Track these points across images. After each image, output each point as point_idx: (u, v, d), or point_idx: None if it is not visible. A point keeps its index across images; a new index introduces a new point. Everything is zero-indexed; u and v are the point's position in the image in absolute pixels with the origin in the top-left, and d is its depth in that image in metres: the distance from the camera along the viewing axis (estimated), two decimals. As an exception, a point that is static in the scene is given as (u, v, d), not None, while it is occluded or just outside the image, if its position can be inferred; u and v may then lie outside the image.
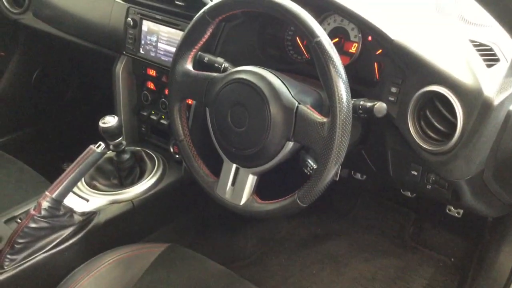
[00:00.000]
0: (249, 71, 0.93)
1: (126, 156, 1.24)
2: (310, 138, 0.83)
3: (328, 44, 0.80)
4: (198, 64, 1.07)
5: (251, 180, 0.92)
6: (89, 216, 1.12)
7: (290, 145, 0.88)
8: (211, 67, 1.07)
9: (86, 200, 1.17)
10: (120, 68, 1.37)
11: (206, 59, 1.08)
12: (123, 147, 1.21)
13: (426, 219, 1.62)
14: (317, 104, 0.92)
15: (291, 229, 1.61)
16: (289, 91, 0.88)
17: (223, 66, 1.06)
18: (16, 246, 1.00)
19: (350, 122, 0.79)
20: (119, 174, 1.26)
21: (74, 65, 1.96)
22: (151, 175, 1.26)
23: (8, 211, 1.16)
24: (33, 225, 1.00)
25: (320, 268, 1.49)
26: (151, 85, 1.37)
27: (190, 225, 1.42)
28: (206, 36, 1.00)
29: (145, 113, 1.41)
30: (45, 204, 1.00)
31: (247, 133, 0.90)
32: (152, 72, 1.33)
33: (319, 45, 0.80)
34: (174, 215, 1.35)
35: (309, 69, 1.13)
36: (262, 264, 1.46)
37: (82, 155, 1.06)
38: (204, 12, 0.96)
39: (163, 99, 1.33)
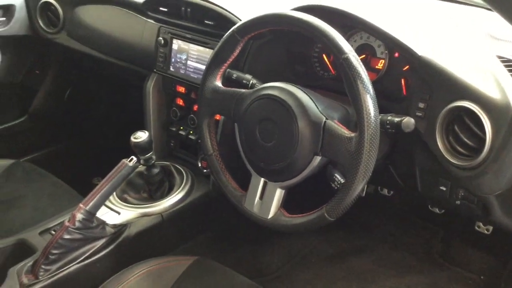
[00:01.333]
0: (277, 87, 0.95)
1: (156, 170, 1.27)
2: (338, 152, 0.84)
3: (356, 60, 0.82)
4: (227, 80, 1.09)
5: (279, 194, 0.93)
6: (120, 228, 1.15)
7: (317, 159, 0.89)
8: (239, 83, 1.10)
9: (118, 212, 1.20)
10: (151, 85, 1.41)
11: (234, 75, 1.11)
12: (153, 161, 1.24)
13: (454, 236, 1.60)
14: (344, 119, 0.93)
15: (318, 245, 1.61)
16: (317, 107, 0.90)
17: (250, 82, 1.09)
18: (51, 256, 1.03)
19: (378, 137, 0.80)
20: (149, 187, 1.29)
21: (104, 83, 2.02)
22: (179, 189, 1.28)
23: (42, 223, 1.20)
24: (67, 236, 1.03)
25: (347, 284, 1.48)
26: (180, 102, 1.41)
27: (217, 238, 1.43)
28: (235, 54, 1.03)
29: (174, 129, 1.44)
30: (79, 216, 1.03)
31: (275, 148, 0.91)
32: (181, 89, 1.36)
33: (347, 61, 0.82)
34: (202, 228, 1.37)
35: (335, 85, 1.15)
36: (288, 279, 1.46)
37: (115, 169, 1.09)
38: (233, 30, 1.00)
39: (192, 115, 1.36)
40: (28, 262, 1.05)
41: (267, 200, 0.94)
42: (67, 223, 1.03)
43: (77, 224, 1.03)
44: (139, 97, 1.51)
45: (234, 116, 1.00)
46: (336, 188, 0.90)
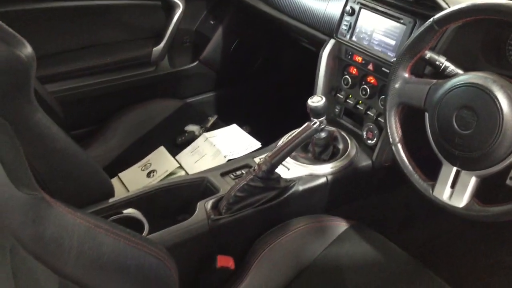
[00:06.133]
0: (480, 76, 0.95)
1: (324, 134, 1.34)
2: None
3: None
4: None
5: (473, 183, 0.94)
6: (290, 183, 1.24)
7: None
8: (430, 64, 1.10)
9: (287, 168, 1.30)
10: (327, 51, 1.45)
11: (428, 55, 1.11)
12: (323, 125, 1.30)
13: None
14: None
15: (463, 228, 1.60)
16: None
17: (444, 65, 1.08)
18: (235, 198, 1.16)
19: None
20: (314, 149, 1.37)
21: (268, 40, 2.12)
22: (344, 156, 1.34)
23: (220, 166, 1.34)
24: (251, 183, 1.14)
25: (489, 276, 1.47)
26: (353, 70, 1.44)
27: (375, 205, 1.48)
28: (430, 45, 1.04)
29: (341, 96, 1.48)
30: (264, 167, 1.14)
31: (474, 135, 0.93)
32: (359, 59, 1.39)
33: None
34: (361, 194, 1.43)
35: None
36: (431, 259, 1.49)
37: (300, 130, 1.18)
38: (433, 21, 1.00)
39: (365, 86, 1.39)
40: (212, 199, 1.19)
41: (460, 189, 0.96)
42: (253, 172, 1.15)
43: (261, 174, 1.14)
44: (299, 57, 1.56)
45: (426, 105, 1.02)
46: None
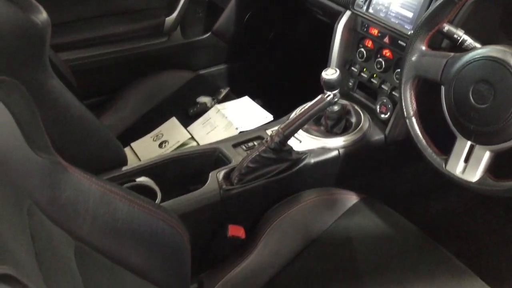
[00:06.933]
0: (497, 49, 0.93)
1: (337, 107, 1.33)
2: None
3: None
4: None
5: (487, 158, 0.94)
6: (302, 155, 1.25)
7: None
8: (448, 37, 1.08)
9: (299, 141, 1.30)
10: (343, 23, 1.43)
11: (445, 28, 1.09)
12: (336, 99, 1.29)
13: None
14: None
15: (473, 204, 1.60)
16: None
17: (462, 38, 1.06)
18: (247, 168, 1.16)
19: None
20: (326, 122, 1.36)
21: (279, 11, 2.09)
22: (357, 129, 1.33)
23: (233, 137, 1.35)
24: (264, 154, 1.15)
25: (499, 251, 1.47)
26: (368, 43, 1.42)
27: (384, 179, 1.48)
28: (448, 17, 1.02)
29: (355, 69, 1.46)
30: (276, 138, 1.14)
31: (490, 109, 0.91)
32: (374, 31, 1.37)
33: None
34: (373, 168, 1.43)
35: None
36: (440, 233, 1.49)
37: (313, 102, 1.17)
38: None
39: (380, 59, 1.37)
40: (224, 169, 1.20)
41: (473, 163, 0.95)
42: (266, 143, 1.15)
43: (273, 145, 1.14)
44: (313, 30, 1.53)
45: (442, 78, 1.01)
46: None
